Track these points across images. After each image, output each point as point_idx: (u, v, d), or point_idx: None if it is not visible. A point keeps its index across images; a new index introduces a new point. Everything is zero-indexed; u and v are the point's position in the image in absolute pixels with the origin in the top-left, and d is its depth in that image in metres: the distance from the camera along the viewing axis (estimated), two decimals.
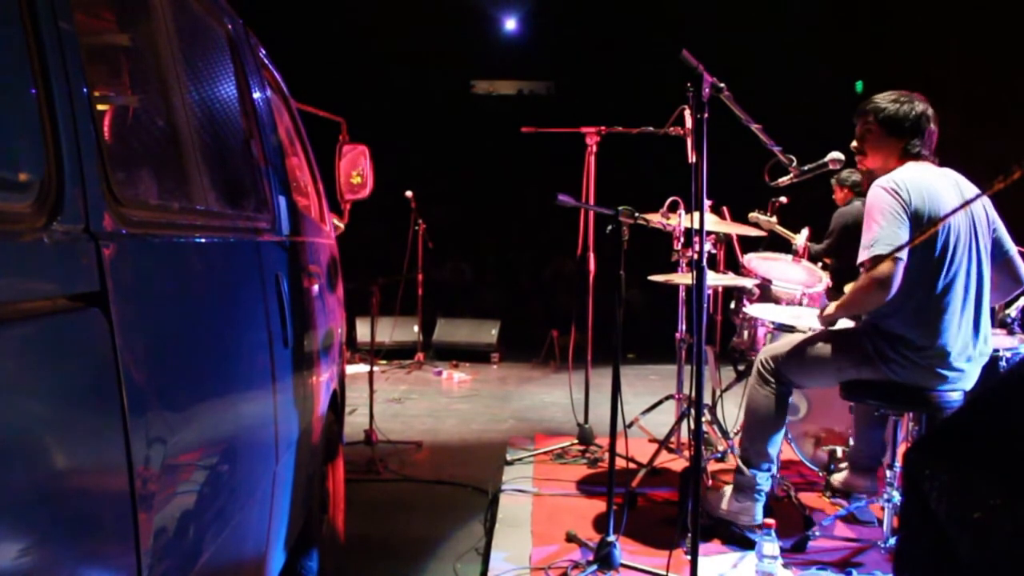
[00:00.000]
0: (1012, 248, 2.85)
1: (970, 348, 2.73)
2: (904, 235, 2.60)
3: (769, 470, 2.98)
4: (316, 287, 2.53)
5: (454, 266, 10.47)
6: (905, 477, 1.28)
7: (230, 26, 1.98)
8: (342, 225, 3.47)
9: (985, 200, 2.74)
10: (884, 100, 2.81)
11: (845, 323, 3.16)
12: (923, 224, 2.61)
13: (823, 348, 2.89)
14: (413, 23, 9.73)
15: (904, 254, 2.60)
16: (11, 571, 0.78)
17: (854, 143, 2.90)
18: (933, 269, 2.67)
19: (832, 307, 2.88)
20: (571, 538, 3.01)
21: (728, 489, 3.06)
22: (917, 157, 2.78)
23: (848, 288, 2.77)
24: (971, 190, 2.76)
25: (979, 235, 2.76)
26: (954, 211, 2.56)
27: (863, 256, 2.67)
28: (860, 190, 5.26)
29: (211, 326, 1.47)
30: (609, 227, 2.82)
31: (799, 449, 3.69)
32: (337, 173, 3.39)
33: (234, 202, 1.76)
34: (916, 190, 2.65)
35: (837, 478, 3.49)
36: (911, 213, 2.63)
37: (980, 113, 6.74)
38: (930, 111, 2.80)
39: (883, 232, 2.62)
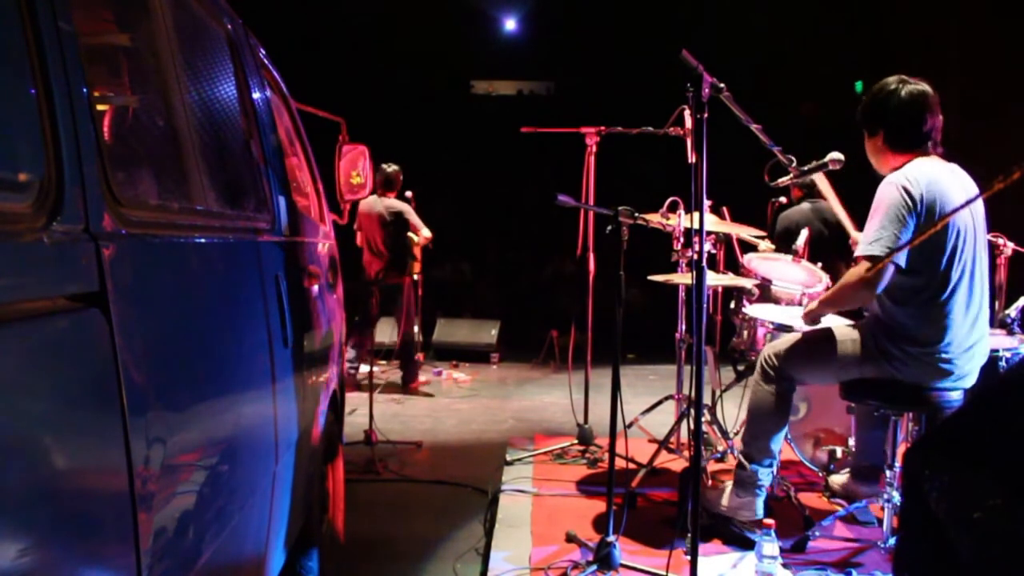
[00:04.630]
0: None
1: (973, 345, 2.73)
2: (905, 239, 2.59)
3: (770, 466, 2.98)
4: (316, 287, 2.53)
5: (454, 266, 10.47)
6: (905, 477, 1.28)
7: (230, 26, 1.98)
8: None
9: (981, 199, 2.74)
10: (868, 94, 2.82)
11: (846, 321, 3.15)
12: (934, 222, 2.59)
13: (826, 345, 2.89)
14: (413, 23, 9.73)
15: (900, 258, 2.60)
16: (11, 571, 0.78)
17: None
18: (943, 269, 2.66)
19: (815, 304, 2.87)
20: (571, 538, 3.01)
21: (728, 485, 3.06)
22: (911, 150, 2.75)
23: (845, 279, 2.75)
24: (974, 189, 2.75)
25: (980, 233, 2.77)
26: (954, 211, 2.56)
27: (860, 251, 2.67)
28: (810, 191, 5.11)
29: (211, 326, 1.47)
30: (609, 227, 2.82)
31: (799, 449, 3.69)
32: (337, 173, 3.39)
33: (234, 202, 1.76)
34: (928, 189, 2.62)
35: (836, 480, 3.49)
36: (920, 213, 2.60)
37: (980, 112, 6.74)
38: (919, 94, 2.73)
39: (884, 232, 2.62)
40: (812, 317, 2.93)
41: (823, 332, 2.94)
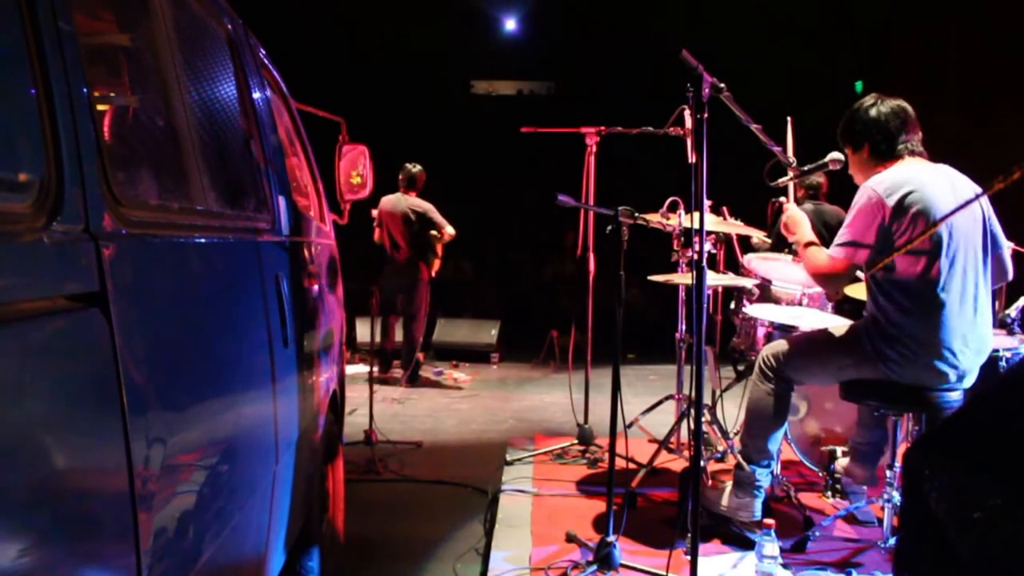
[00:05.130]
0: (1004, 244, 2.90)
1: (970, 345, 2.73)
2: (870, 241, 2.67)
3: (768, 466, 2.98)
4: (316, 287, 2.53)
5: (454, 266, 10.47)
6: (905, 477, 1.28)
7: (230, 26, 1.98)
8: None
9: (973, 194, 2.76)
10: (846, 116, 2.89)
11: (845, 321, 3.15)
12: (908, 223, 2.63)
13: (824, 346, 2.90)
14: (413, 23, 9.72)
15: (860, 260, 2.70)
16: (11, 571, 0.78)
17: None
18: (935, 268, 2.67)
19: (802, 247, 2.90)
20: (571, 538, 3.01)
21: (728, 485, 3.07)
22: (896, 157, 2.79)
23: (818, 255, 2.82)
24: (966, 186, 2.77)
25: (977, 232, 2.77)
26: (952, 212, 2.56)
27: (829, 250, 2.76)
28: (816, 193, 5.56)
29: (211, 326, 1.47)
30: (609, 227, 2.82)
31: (799, 449, 3.69)
32: (337, 173, 3.39)
33: (234, 202, 1.76)
34: (905, 191, 2.65)
35: (840, 463, 3.48)
36: (891, 216, 2.65)
37: (980, 112, 6.74)
38: (886, 107, 2.81)
39: (851, 238, 2.71)
40: (793, 240, 2.99)
41: (821, 333, 2.95)
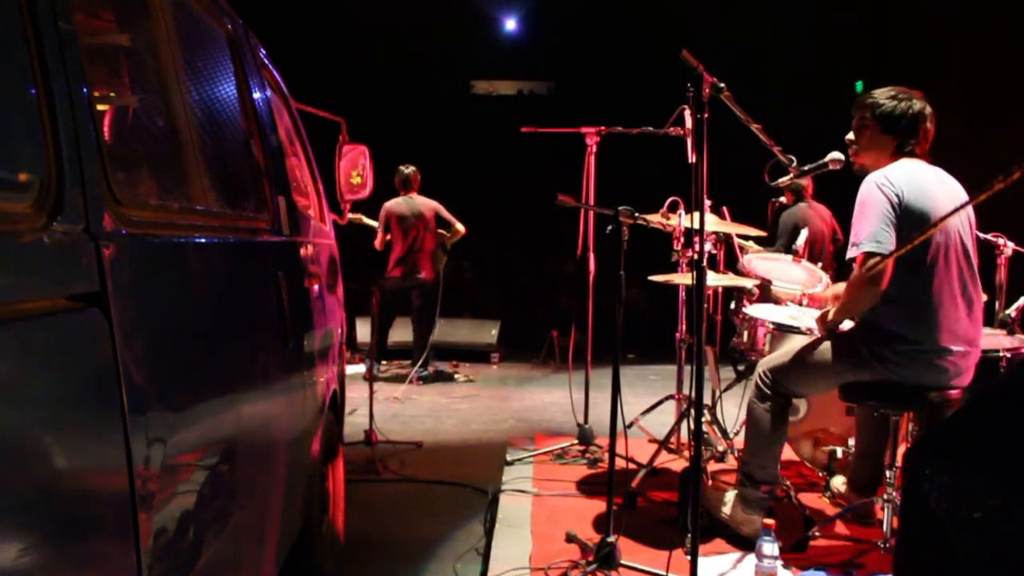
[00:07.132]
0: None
1: (967, 340, 2.75)
2: (892, 233, 2.65)
3: (772, 482, 2.97)
4: (316, 287, 2.53)
5: (454, 266, 10.47)
6: (905, 477, 1.28)
7: (230, 26, 1.98)
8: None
9: (964, 196, 2.79)
10: (883, 96, 2.86)
11: (842, 325, 3.15)
12: (914, 220, 2.65)
13: (819, 354, 2.89)
14: (413, 23, 9.72)
15: (890, 249, 2.64)
16: (11, 571, 0.78)
17: (850, 135, 2.94)
18: (928, 267, 2.70)
19: (832, 312, 2.89)
20: (571, 538, 3.01)
21: (732, 495, 3.06)
22: (910, 155, 2.83)
23: (847, 285, 2.79)
24: (958, 187, 2.82)
25: (965, 229, 2.82)
26: (954, 211, 2.57)
27: (851, 252, 2.72)
28: (801, 195, 6.00)
29: (211, 326, 1.47)
30: (609, 227, 2.82)
31: (799, 449, 3.68)
32: (337, 173, 3.39)
33: (234, 202, 1.76)
34: (908, 187, 2.69)
35: (836, 484, 3.48)
36: (901, 211, 2.67)
37: (980, 113, 6.73)
38: (928, 110, 2.84)
39: (872, 230, 2.67)
40: (830, 326, 2.94)
41: (814, 342, 2.95)
